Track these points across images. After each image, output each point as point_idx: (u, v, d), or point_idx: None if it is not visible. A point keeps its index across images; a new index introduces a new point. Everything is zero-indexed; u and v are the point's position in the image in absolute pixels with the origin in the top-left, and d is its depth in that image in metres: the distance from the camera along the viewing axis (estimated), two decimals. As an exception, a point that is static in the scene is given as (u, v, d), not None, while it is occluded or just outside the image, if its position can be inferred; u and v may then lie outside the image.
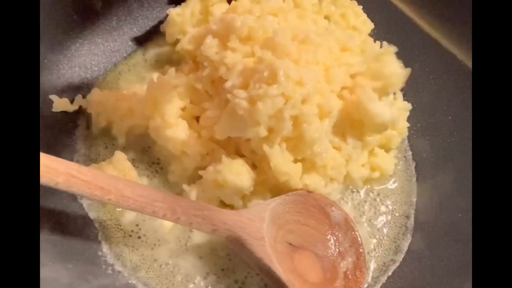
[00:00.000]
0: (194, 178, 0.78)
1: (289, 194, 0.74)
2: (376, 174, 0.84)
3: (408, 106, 0.89)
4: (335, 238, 0.75)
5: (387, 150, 0.87)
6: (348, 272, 0.72)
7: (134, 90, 0.85)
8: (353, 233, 0.76)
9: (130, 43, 0.94)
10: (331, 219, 0.75)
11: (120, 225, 0.77)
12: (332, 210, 0.76)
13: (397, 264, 0.80)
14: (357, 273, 0.73)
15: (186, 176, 0.79)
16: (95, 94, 0.83)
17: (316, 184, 0.76)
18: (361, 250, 0.75)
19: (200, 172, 0.75)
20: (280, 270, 0.67)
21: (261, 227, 0.69)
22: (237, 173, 0.72)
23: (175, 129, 0.76)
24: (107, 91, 0.86)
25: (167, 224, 0.77)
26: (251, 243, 0.67)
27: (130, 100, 0.81)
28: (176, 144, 0.76)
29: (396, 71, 0.78)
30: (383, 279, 0.78)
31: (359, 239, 0.76)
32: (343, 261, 0.73)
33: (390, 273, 0.79)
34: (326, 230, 0.75)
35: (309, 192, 0.75)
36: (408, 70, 0.79)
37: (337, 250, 0.74)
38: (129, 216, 0.77)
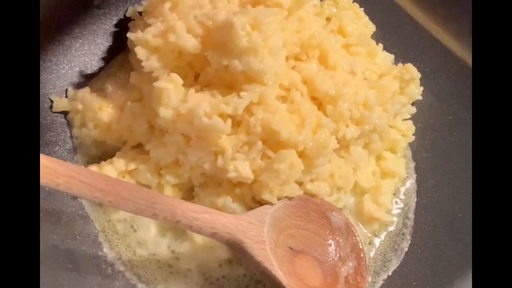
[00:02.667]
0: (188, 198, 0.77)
1: (290, 198, 0.73)
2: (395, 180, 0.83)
3: (412, 109, 0.89)
4: (335, 243, 0.74)
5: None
6: (349, 277, 0.72)
7: (124, 98, 0.80)
8: (354, 238, 0.75)
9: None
10: (332, 223, 0.75)
11: (120, 225, 0.77)
12: (333, 215, 0.75)
13: (397, 264, 0.80)
14: (358, 278, 0.72)
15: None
16: (83, 93, 0.81)
17: (319, 191, 0.75)
18: (362, 255, 0.75)
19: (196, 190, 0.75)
20: (281, 274, 0.66)
21: (261, 231, 0.68)
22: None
23: None
24: (95, 95, 0.81)
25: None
26: (252, 247, 0.67)
27: (111, 115, 0.79)
28: None
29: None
30: (383, 279, 0.79)
31: (360, 244, 0.75)
32: (344, 266, 0.73)
33: (390, 273, 0.79)
34: (327, 234, 0.74)
35: (310, 196, 0.75)
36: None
37: (338, 255, 0.73)
38: (128, 216, 0.77)
